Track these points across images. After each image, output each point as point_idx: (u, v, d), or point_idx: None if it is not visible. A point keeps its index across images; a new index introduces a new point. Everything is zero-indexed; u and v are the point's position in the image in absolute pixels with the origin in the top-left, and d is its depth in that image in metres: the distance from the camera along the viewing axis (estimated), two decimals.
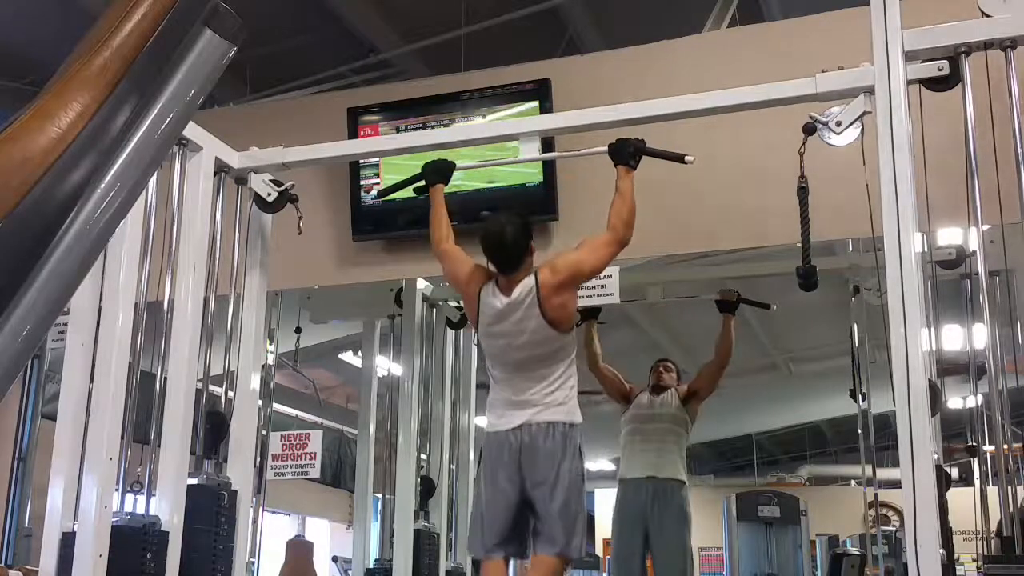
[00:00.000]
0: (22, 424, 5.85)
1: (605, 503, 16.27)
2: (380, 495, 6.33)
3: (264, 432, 5.83)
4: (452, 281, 3.80)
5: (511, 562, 3.52)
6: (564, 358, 3.47)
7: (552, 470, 3.35)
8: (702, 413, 5.48)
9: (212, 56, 1.07)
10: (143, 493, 3.30)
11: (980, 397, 4.77)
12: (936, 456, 2.87)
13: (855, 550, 7.98)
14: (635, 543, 5.15)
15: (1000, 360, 3.17)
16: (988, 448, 4.90)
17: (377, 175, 4.80)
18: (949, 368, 4.54)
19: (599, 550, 15.61)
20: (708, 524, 9.14)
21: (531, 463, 3.37)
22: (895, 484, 2.78)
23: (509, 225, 3.42)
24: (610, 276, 4.54)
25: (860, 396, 5.66)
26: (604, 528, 16.35)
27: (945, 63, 2.95)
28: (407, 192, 3.98)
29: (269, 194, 3.93)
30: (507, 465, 3.40)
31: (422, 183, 3.80)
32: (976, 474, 5.50)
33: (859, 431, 5.93)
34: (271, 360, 6.35)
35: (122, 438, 3.19)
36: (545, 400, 3.41)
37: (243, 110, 5.70)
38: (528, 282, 3.41)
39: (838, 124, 3.12)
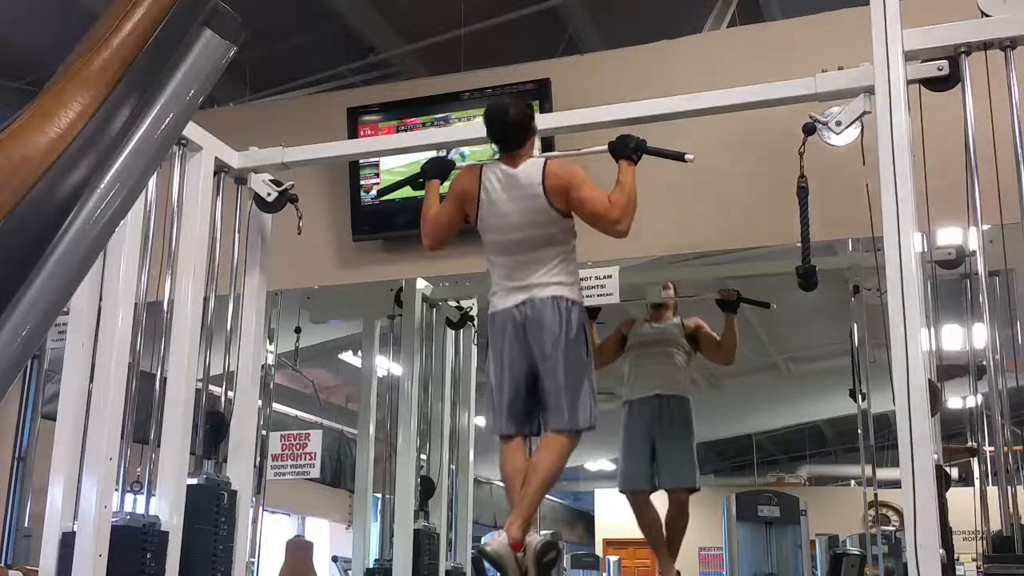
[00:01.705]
0: (22, 424, 5.84)
1: (606, 503, 16.29)
2: (380, 495, 6.33)
3: (264, 432, 5.83)
4: (453, 207, 3.62)
5: (528, 440, 3.54)
6: (564, 242, 3.49)
7: (558, 342, 3.38)
8: (702, 413, 5.47)
9: (212, 56, 1.07)
10: (143, 493, 3.30)
11: (980, 397, 4.77)
12: (936, 456, 2.87)
13: (855, 550, 7.97)
14: (643, 458, 5.12)
15: (1000, 360, 3.17)
16: (988, 448, 4.90)
17: (377, 175, 4.80)
18: (950, 370, 4.54)
19: (599, 550, 15.61)
20: (708, 524, 9.13)
21: (536, 336, 3.40)
22: (895, 484, 2.78)
23: (512, 103, 3.52)
24: (610, 276, 4.54)
25: (860, 396, 5.66)
26: (604, 528, 16.36)
27: (945, 63, 2.95)
28: (407, 192, 3.99)
29: (269, 194, 3.93)
30: (513, 340, 3.43)
31: (421, 180, 3.81)
32: (976, 474, 5.51)
33: (859, 431, 5.92)
34: (271, 360, 6.35)
35: (122, 438, 3.19)
36: (548, 280, 3.44)
37: (243, 110, 5.70)
38: (536, 161, 3.48)
39: (838, 124, 3.12)
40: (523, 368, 3.43)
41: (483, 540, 3.43)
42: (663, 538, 5.10)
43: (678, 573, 5.17)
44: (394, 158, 4.54)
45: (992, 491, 3.71)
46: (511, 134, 3.47)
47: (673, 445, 5.09)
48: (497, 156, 3.53)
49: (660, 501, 5.21)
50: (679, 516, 5.13)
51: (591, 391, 3.44)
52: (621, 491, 5.23)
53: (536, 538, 3.28)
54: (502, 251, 3.52)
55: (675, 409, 5.14)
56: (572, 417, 3.37)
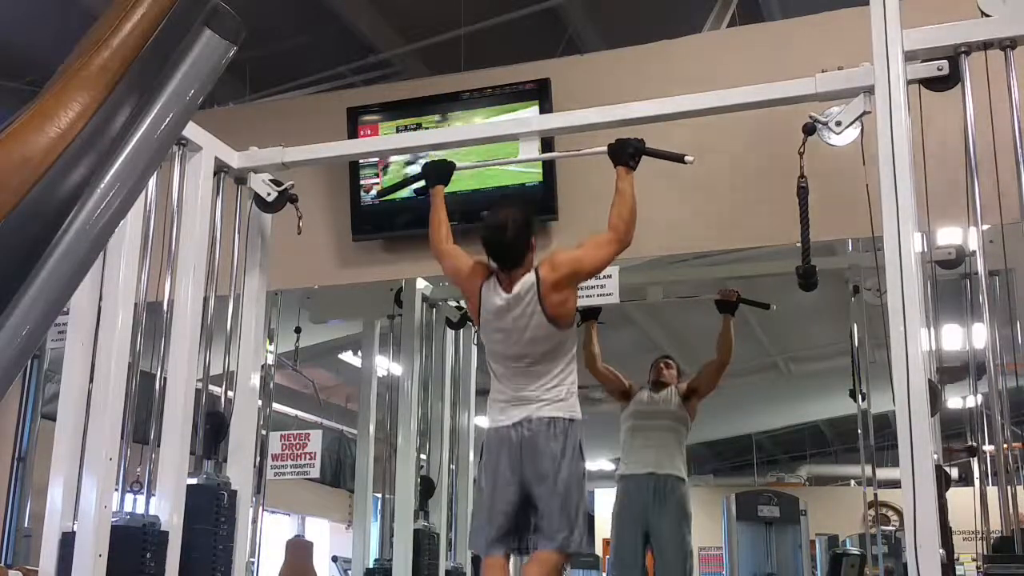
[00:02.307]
0: (22, 424, 5.84)
1: (605, 502, 16.27)
2: (380, 495, 6.33)
3: (264, 432, 5.83)
4: (453, 278, 3.79)
5: (511, 559, 3.51)
6: (564, 354, 3.46)
7: (553, 465, 3.35)
8: (702, 412, 5.48)
9: (212, 56, 1.07)
10: (143, 493, 3.30)
11: (980, 397, 4.77)
12: (936, 456, 2.87)
13: (855, 550, 7.98)
14: (635, 540, 5.16)
15: (1000, 360, 3.17)
16: (988, 448, 4.89)
17: (377, 175, 4.80)
18: (950, 372, 4.54)
19: (599, 550, 15.61)
20: (708, 524, 9.14)
21: (532, 459, 3.37)
22: (895, 484, 2.78)
23: (510, 221, 3.41)
24: (610, 276, 4.54)
25: (860, 396, 5.66)
26: (604, 528, 16.33)
27: (945, 63, 2.95)
28: (407, 192, 3.99)
29: (269, 194, 3.93)
30: (508, 461, 3.39)
31: (422, 183, 3.80)
32: (976, 474, 5.50)
33: (859, 431, 5.93)
34: (271, 360, 6.35)
35: (122, 438, 3.19)
36: (546, 396, 3.41)
37: (243, 110, 5.70)
38: (529, 278, 3.40)
39: (838, 124, 3.12)
40: (516, 488, 3.39)
41: None
42: None
43: None
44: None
45: (992, 491, 3.71)
46: (509, 254, 3.42)
47: (667, 535, 5.13)
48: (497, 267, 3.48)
49: None
50: None
51: (585, 515, 3.42)
52: (614, 570, 5.28)
53: None
54: (501, 361, 3.50)
55: (669, 492, 5.18)
56: (566, 540, 3.33)
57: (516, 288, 3.40)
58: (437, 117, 4.68)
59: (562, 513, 3.33)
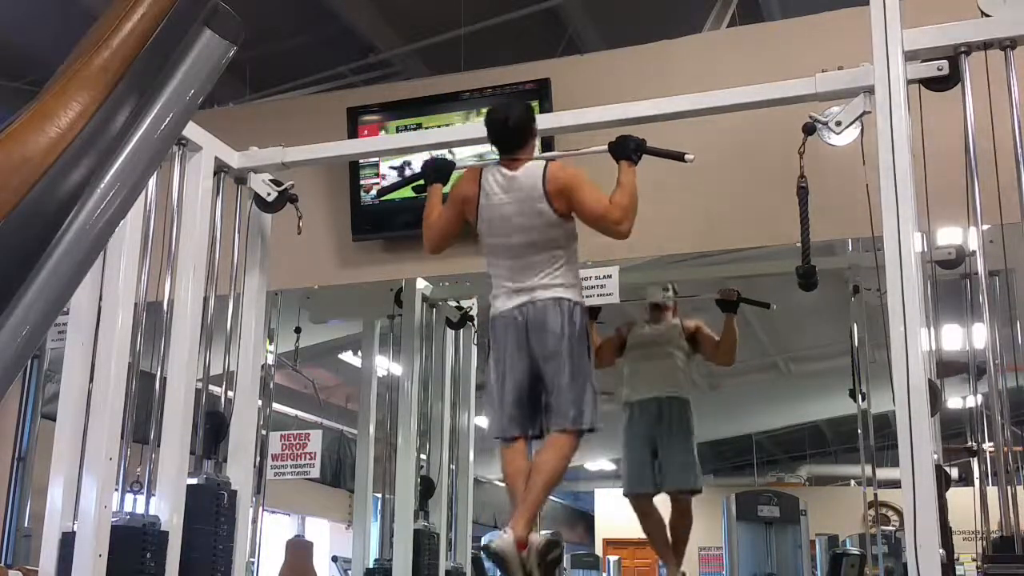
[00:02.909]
0: (22, 424, 5.84)
1: (605, 502, 16.29)
2: (380, 495, 6.33)
3: (264, 432, 5.83)
4: (452, 211, 3.62)
5: (530, 443, 3.52)
6: (565, 244, 3.49)
7: (560, 343, 3.37)
8: (702, 412, 5.47)
9: (212, 56, 1.07)
10: (143, 493, 3.30)
11: (980, 397, 4.77)
12: (936, 456, 2.87)
13: (855, 550, 7.97)
14: (645, 455, 5.12)
15: (1000, 360, 3.17)
16: (988, 448, 4.90)
17: (377, 175, 4.80)
18: (949, 366, 4.54)
19: (599, 550, 15.61)
20: (708, 524, 9.13)
21: (539, 337, 3.39)
22: (895, 484, 2.78)
23: (512, 106, 3.53)
24: (610, 276, 4.54)
25: (860, 396, 5.65)
26: (604, 528, 16.35)
27: (945, 63, 2.95)
28: (407, 192, 3.99)
29: (269, 194, 3.93)
30: (515, 342, 3.42)
31: (421, 182, 3.81)
32: (976, 474, 5.50)
33: (859, 431, 5.92)
34: (271, 360, 6.35)
35: (122, 438, 3.19)
36: (549, 282, 3.44)
37: (243, 110, 5.70)
38: (536, 164, 3.47)
39: (838, 124, 3.12)
40: (525, 370, 3.42)
41: (486, 539, 3.42)
42: (667, 541, 5.10)
43: (683, 574, 5.17)
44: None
45: (992, 491, 3.71)
46: (512, 137, 3.46)
47: (674, 447, 5.09)
48: (497, 159, 3.53)
49: (661, 502, 5.21)
50: (682, 518, 5.13)
51: (594, 392, 3.43)
52: (625, 495, 5.23)
53: (539, 537, 3.28)
54: (503, 254, 3.51)
55: (675, 410, 5.14)
56: (576, 417, 3.36)
57: (521, 169, 3.45)
58: (437, 117, 4.68)
59: (571, 390, 3.36)
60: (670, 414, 5.12)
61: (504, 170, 3.46)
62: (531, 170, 3.44)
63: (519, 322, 3.42)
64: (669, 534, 5.11)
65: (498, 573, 3.41)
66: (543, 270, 3.44)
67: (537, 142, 3.58)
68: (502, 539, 3.23)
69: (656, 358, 5.24)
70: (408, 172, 4.52)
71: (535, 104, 4.46)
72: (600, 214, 3.40)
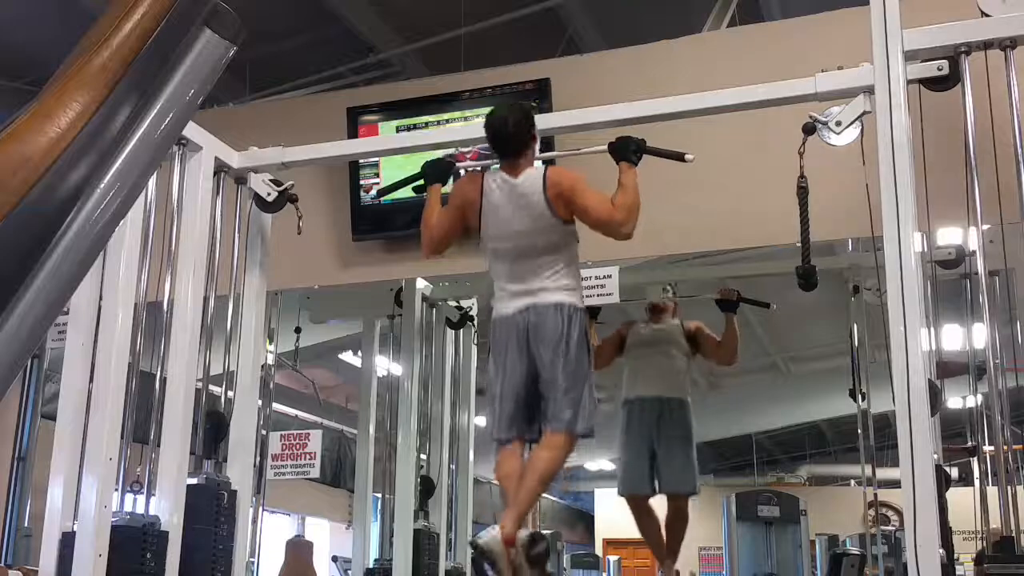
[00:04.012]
0: (22, 424, 5.84)
1: (605, 502, 16.29)
2: (380, 495, 6.33)
3: (264, 432, 5.83)
4: (456, 213, 3.62)
5: (527, 446, 3.52)
6: (566, 247, 3.50)
7: (560, 347, 3.38)
8: (702, 412, 5.47)
9: (212, 56, 1.07)
10: (143, 493, 3.30)
11: (980, 397, 4.76)
12: (936, 456, 2.87)
13: (855, 550, 7.96)
14: (643, 456, 5.11)
15: (1000, 360, 3.17)
16: (988, 448, 4.89)
17: (377, 175, 4.80)
18: (949, 366, 4.53)
19: (599, 550, 15.61)
20: (708, 524, 9.13)
21: (539, 341, 3.40)
22: (895, 484, 2.78)
23: (511, 110, 3.52)
24: (610, 276, 4.54)
25: (860, 396, 5.65)
26: (604, 528, 16.35)
27: (945, 63, 2.96)
28: (407, 192, 3.98)
29: (269, 194, 3.93)
30: (516, 344, 3.42)
31: (421, 182, 3.80)
32: (976, 474, 5.50)
33: (859, 431, 5.92)
34: (271, 360, 6.34)
35: (122, 438, 3.19)
36: (551, 285, 3.44)
37: (243, 110, 5.70)
38: (536, 171, 3.47)
39: (838, 124, 3.12)
40: (524, 374, 3.43)
41: (477, 535, 3.43)
42: (662, 541, 5.10)
43: (677, 573, 5.17)
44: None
45: (992, 491, 3.71)
46: (512, 143, 3.46)
47: (673, 449, 5.09)
48: (497, 164, 3.53)
49: (659, 502, 5.21)
50: (678, 519, 5.12)
51: (592, 398, 3.44)
52: (620, 495, 5.22)
53: (524, 532, 3.28)
54: (504, 258, 3.52)
55: (674, 411, 5.14)
56: (572, 421, 3.36)
57: (522, 176, 3.46)
58: (437, 117, 4.68)
59: (569, 394, 3.36)
60: (669, 415, 5.12)
61: (505, 176, 3.47)
62: (532, 175, 3.45)
63: (520, 326, 3.43)
64: (664, 534, 5.11)
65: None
66: (544, 273, 3.45)
67: (537, 145, 3.58)
68: (490, 535, 3.25)
69: (656, 358, 5.24)
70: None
71: (535, 104, 4.46)
72: (604, 218, 3.41)
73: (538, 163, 3.61)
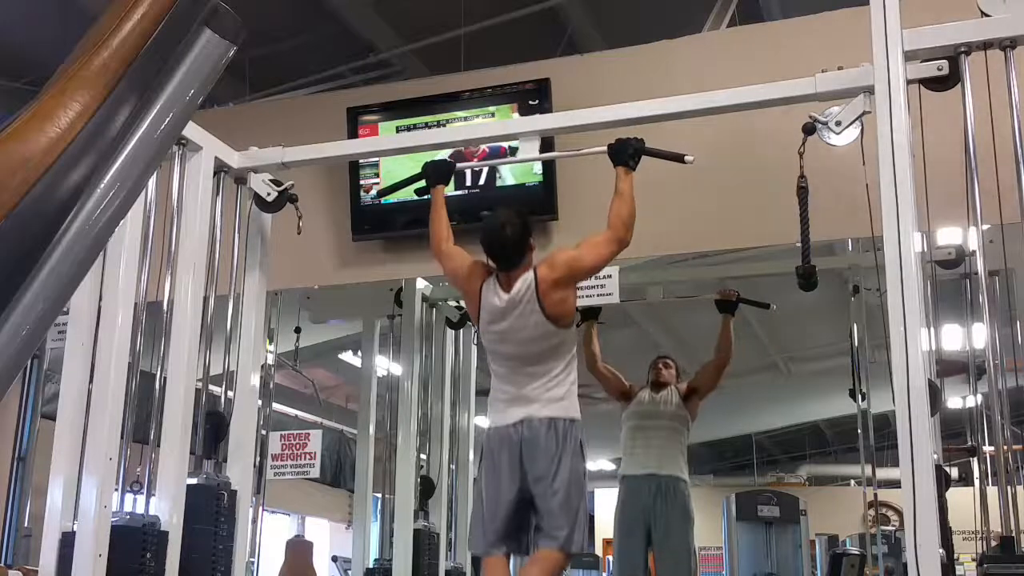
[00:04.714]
0: (22, 424, 5.84)
1: (605, 502, 16.29)
2: (380, 495, 6.33)
3: (264, 432, 5.83)
4: (453, 279, 3.80)
5: (511, 559, 3.50)
6: (564, 354, 3.46)
7: (553, 465, 3.34)
8: (702, 412, 5.48)
9: (212, 56, 1.07)
10: (143, 493, 3.30)
11: (980, 397, 4.77)
12: (936, 456, 2.87)
13: (855, 550, 7.98)
14: (637, 541, 5.14)
15: (1000, 360, 3.17)
16: (988, 448, 4.89)
17: (377, 175, 4.80)
18: (948, 366, 4.54)
19: (599, 550, 15.61)
20: (708, 524, 9.14)
21: (532, 458, 3.36)
22: (895, 484, 2.78)
23: (508, 222, 3.42)
24: (610, 276, 4.54)
25: (860, 396, 5.66)
26: (604, 528, 16.35)
27: (945, 63, 2.95)
28: (407, 192, 3.99)
29: (269, 194, 3.93)
30: (508, 460, 3.39)
31: (422, 183, 3.80)
32: (976, 474, 5.50)
33: (859, 431, 5.93)
34: (271, 360, 6.35)
35: (122, 438, 3.19)
36: (545, 396, 3.41)
37: (243, 110, 5.70)
38: (527, 277, 3.40)
39: (838, 124, 3.12)
40: (516, 489, 3.39)
41: None
42: None
43: None
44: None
45: (992, 491, 3.71)
46: (509, 255, 3.42)
47: (671, 534, 5.12)
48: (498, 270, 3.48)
49: None
50: None
51: (585, 514, 3.42)
52: (617, 571, 5.26)
53: None
54: (501, 361, 3.51)
55: (670, 493, 5.16)
56: (567, 540, 3.33)
57: (515, 288, 3.40)
58: (437, 117, 4.68)
59: (562, 512, 3.33)
60: (665, 497, 5.14)
61: (500, 293, 3.42)
62: (524, 286, 3.40)
63: (513, 440, 3.39)
64: None
65: None
66: (541, 380, 3.41)
67: (534, 255, 3.50)
68: None
69: (654, 431, 5.27)
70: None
71: (535, 104, 4.47)
72: (607, 255, 3.42)
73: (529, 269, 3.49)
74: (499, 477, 3.41)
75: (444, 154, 4.06)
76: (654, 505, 5.13)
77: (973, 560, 4.52)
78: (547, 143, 4.02)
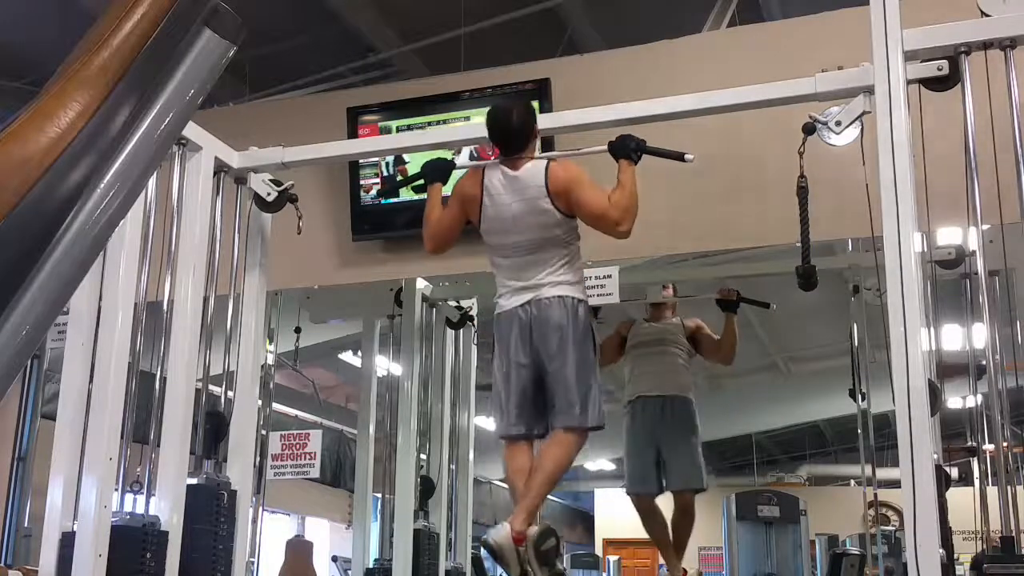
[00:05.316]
0: (22, 424, 5.84)
1: (605, 502, 16.28)
2: (380, 495, 6.33)
3: (264, 432, 5.83)
4: (454, 210, 3.64)
5: (533, 443, 3.52)
6: (568, 242, 3.50)
7: (564, 341, 3.37)
8: (702, 413, 5.47)
9: (212, 56, 1.07)
10: (143, 493, 3.30)
11: (980, 397, 4.76)
12: (936, 456, 2.87)
13: (855, 550, 7.96)
14: (649, 456, 5.13)
15: (1000, 360, 3.17)
16: (988, 448, 4.89)
17: (377, 175, 4.80)
18: (949, 369, 4.53)
19: (599, 550, 15.61)
20: (708, 524, 9.14)
21: (543, 335, 3.39)
22: (895, 484, 2.78)
23: (514, 107, 3.53)
24: (610, 276, 4.54)
25: (860, 396, 5.65)
26: (604, 528, 16.35)
27: (945, 63, 2.95)
28: (407, 192, 3.99)
29: (269, 194, 3.93)
30: (519, 341, 3.42)
31: (421, 182, 3.81)
32: (976, 474, 5.50)
33: (859, 431, 5.92)
34: (271, 360, 6.34)
35: (122, 438, 3.19)
36: (553, 279, 3.44)
37: (243, 110, 5.70)
38: (538, 163, 3.47)
39: (838, 124, 3.12)
40: (530, 368, 3.42)
41: (486, 533, 3.42)
42: (669, 539, 5.11)
43: (684, 571, 5.18)
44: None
45: (992, 491, 3.71)
46: (514, 138, 3.47)
47: (678, 446, 5.10)
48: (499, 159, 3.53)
49: (663, 499, 5.22)
50: (685, 516, 5.14)
51: (599, 390, 3.44)
52: (627, 494, 5.24)
53: (534, 528, 3.28)
54: (506, 253, 3.52)
55: (678, 409, 5.15)
56: (582, 415, 3.36)
57: (523, 169, 3.46)
58: (437, 117, 4.68)
59: (575, 389, 3.36)
60: (674, 413, 5.13)
61: (506, 170, 3.47)
62: (533, 169, 3.45)
63: (523, 320, 3.42)
64: (671, 533, 5.11)
65: (500, 571, 3.41)
66: (546, 267, 3.44)
67: (538, 141, 3.58)
68: (499, 532, 3.25)
69: (658, 355, 5.26)
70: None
71: (535, 104, 4.46)
72: (600, 214, 3.41)
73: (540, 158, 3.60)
74: (512, 358, 3.43)
75: (444, 154, 4.06)
76: (662, 423, 5.11)
77: (970, 564, 4.52)
78: (547, 143, 4.03)
